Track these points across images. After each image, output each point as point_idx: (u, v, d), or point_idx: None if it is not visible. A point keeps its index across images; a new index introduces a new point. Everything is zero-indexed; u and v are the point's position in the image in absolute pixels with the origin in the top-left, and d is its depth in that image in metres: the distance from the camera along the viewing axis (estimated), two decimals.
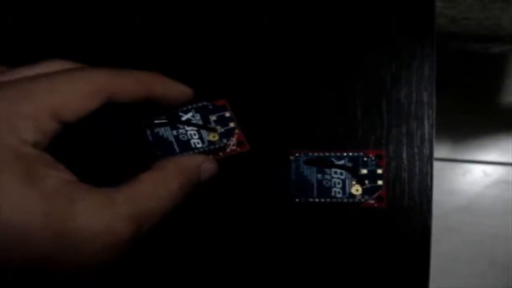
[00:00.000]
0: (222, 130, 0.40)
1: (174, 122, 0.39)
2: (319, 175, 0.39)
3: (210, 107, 0.40)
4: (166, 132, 0.39)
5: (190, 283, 0.39)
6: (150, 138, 0.39)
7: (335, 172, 0.39)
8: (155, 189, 0.30)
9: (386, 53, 0.42)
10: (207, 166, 0.35)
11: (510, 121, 1.14)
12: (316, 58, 0.42)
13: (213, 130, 0.39)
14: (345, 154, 0.39)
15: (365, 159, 0.39)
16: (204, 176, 0.35)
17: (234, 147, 0.39)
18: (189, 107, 0.40)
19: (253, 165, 0.40)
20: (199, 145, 0.39)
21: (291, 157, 0.40)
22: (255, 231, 0.39)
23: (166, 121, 0.39)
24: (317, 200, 0.39)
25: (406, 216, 0.40)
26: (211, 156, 0.38)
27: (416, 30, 0.42)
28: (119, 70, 0.32)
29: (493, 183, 1.14)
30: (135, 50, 0.43)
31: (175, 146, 0.39)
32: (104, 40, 0.43)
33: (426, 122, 0.41)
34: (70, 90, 0.28)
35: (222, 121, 0.40)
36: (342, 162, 0.39)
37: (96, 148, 0.39)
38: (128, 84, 0.31)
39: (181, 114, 0.40)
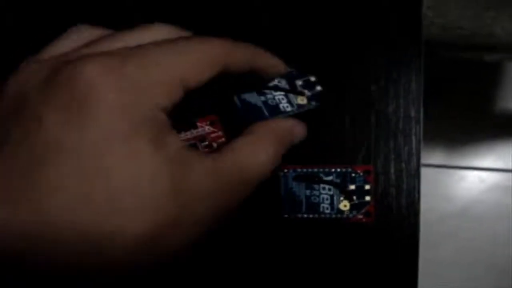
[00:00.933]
0: (309, 93, 0.41)
1: (262, 88, 0.40)
2: (308, 191, 0.40)
3: (294, 72, 0.41)
4: (254, 98, 0.40)
5: None
6: (239, 104, 0.40)
7: (323, 188, 0.40)
8: (254, 153, 0.31)
9: (374, 68, 0.42)
10: (299, 129, 0.36)
11: (505, 127, 1.14)
12: (308, 87, 0.42)
13: (301, 93, 0.40)
14: (333, 170, 0.40)
15: (353, 175, 0.40)
16: (296, 139, 0.36)
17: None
18: None
19: None
20: (289, 109, 0.40)
21: (280, 173, 0.40)
22: (244, 247, 0.40)
23: (253, 87, 0.40)
24: (305, 215, 0.39)
25: (394, 230, 0.40)
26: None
27: (403, 45, 0.42)
28: (233, 42, 0.33)
29: (488, 189, 1.14)
30: None
31: (264, 111, 0.39)
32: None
33: (413, 137, 0.41)
34: (197, 59, 0.30)
35: (308, 85, 0.41)
36: (330, 178, 0.40)
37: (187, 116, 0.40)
38: (241, 57, 0.33)
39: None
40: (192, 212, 0.27)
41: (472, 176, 1.14)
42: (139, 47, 0.29)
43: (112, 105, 0.25)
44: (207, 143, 0.40)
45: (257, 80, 0.40)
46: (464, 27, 0.73)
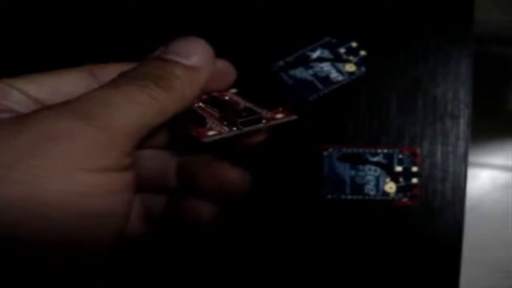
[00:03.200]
0: (356, 59, 0.40)
1: (306, 62, 0.39)
2: (353, 172, 0.38)
3: (334, 41, 0.40)
4: (303, 73, 0.39)
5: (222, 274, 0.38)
6: (289, 81, 0.39)
7: (369, 169, 0.38)
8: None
9: (423, 50, 0.41)
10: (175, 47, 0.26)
11: None
12: (352, 53, 0.41)
13: (348, 61, 0.39)
14: (379, 150, 0.39)
15: (400, 156, 0.38)
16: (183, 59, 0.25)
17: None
18: (314, 45, 0.40)
19: (285, 160, 0.39)
20: (340, 78, 0.39)
21: (324, 153, 0.39)
22: (286, 228, 0.38)
23: (296, 63, 0.39)
24: (349, 197, 0.38)
25: (438, 215, 0.39)
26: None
27: (453, 28, 0.41)
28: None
29: (499, 188, 1.14)
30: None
31: (318, 84, 0.39)
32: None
33: (461, 120, 0.40)
34: None
35: (351, 51, 0.40)
36: (376, 158, 0.38)
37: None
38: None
39: (309, 53, 0.40)
40: None
41: (483, 175, 1.13)
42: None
43: None
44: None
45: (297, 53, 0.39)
46: (493, 20, 0.73)
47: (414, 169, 0.38)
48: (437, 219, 0.39)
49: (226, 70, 0.28)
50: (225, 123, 0.25)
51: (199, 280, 0.38)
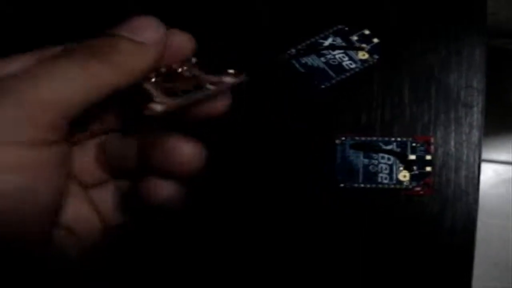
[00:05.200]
0: (369, 47, 0.39)
1: (318, 50, 0.39)
2: (366, 160, 0.38)
3: (346, 28, 0.39)
4: (315, 61, 0.39)
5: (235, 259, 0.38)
6: (301, 69, 0.38)
7: (382, 157, 0.38)
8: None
9: (435, 38, 0.40)
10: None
11: None
12: (365, 40, 0.40)
13: (360, 49, 0.38)
14: (392, 139, 0.38)
15: (413, 144, 0.38)
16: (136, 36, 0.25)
17: None
18: (326, 33, 0.39)
19: (298, 148, 0.39)
20: (353, 66, 0.39)
21: (337, 141, 0.38)
22: (300, 216, 0.38)
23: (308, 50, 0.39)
24: (362, 185, 0.38)
25: (452, 204, 0.38)
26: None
27: (467, 16, 0.41)
28: None
29: (504, 183, 1.13)
30: None
31: (330, 72, 0.38)
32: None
33: (475, 108, 0.40)
34: None
35: (364, 38, 0.39)
36: (390, 147, 0.38)
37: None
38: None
39: (321, 41, 0.39)
40: None
41: (488, 170, 1.13)
42: None
43: None
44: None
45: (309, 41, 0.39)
46: (498, 13, 0.72)
47: (428, 157, 0.38)
48: (450, 208, 0.38)
49: (184, 44, 0.26)
50: (172, 94, 0.24)
51: (200, 278, 0.38)
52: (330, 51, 0.39)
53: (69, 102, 0.21)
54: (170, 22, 0.41)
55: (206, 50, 0.39)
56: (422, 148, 0.38)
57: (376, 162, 0.38)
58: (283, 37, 0.40)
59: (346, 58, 0.39)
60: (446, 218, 0.38)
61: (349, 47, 0.39)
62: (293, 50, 0.39)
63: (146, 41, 0.25)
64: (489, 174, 1.14)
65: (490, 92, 1.10)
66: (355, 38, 0.40)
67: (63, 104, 0.21)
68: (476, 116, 0.39)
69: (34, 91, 0.21)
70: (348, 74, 0.39)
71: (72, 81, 0.22)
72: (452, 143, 0.39)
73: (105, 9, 0.42)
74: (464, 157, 0.39)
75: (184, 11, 0.41)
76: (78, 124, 0.23)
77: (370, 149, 0.38)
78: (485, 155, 1.13)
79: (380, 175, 0.38)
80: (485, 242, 1.12)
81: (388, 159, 0.38)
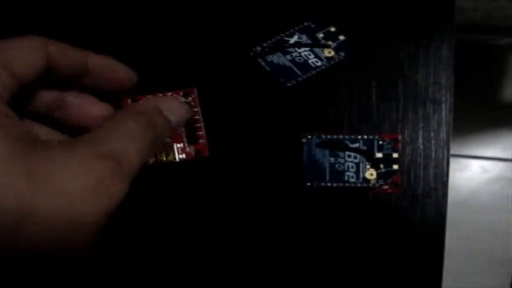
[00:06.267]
0: (335, 44, 0.39)
1: (284, 48, 0.38)
2: (332, 159, 0.38)
3: (313, 25, 0.39)
4: (280, 59, 0.38)
5: (199, 265, 0.37)
6: (267, 67, 0.38)
7: (349, 156, 0.38)
8: (127, 142, 0.27)
9: (404, 35, 0.40)
10: (168, 105, 0.32)
11: (510, 116, 1.13)
12: (331, 38, 0.40)
13: (326, 46, 0.38)
14: (359, 137, 0.38)
15: (380, 142, 0.38)
16: (171, 116, 0.31)
17: None
18: (292, 30, 0.39)
19: (263, 147, 0.38)
20: (319, 63, 0.38)
21: (303, 140, 0.38)
22: (266, 216, 0.38)
23: (274, 48, 0.39)
24: (329, 184, 0.37)
25: (421, 202, 0.38)
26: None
27: (435, 12, 0.40)
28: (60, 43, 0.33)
29: (491, 179, 1.13)
30: (137, 44, 0.41)
31: (296, 70, 0.38)
32: (103, 37, 0.41)
33: (443, 105, 0.39)
34: (17, 46, 0.30)
35: (330, 36, 0.39)
36: (356, 145, 0.38)
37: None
38: (67, 48, 0.32)
39: (286, 38, 0.39)
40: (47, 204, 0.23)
41: (475, 166, 1.13)
42: None
43: None
44: None
45: (275, 38, 0.39)
46: (480, 8, 0.72)
47: (395, 155, 0.38)
48: (419, 205, 0.38)
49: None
50: None
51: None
52: (296, 48, 0.39)
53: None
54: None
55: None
56: (389, 146, 0.38)
57: (342, 160, 0.38)
58: (252, 34, 0.40)
59: (312, 56, 0.39)
60: (416, 214, 0.38)
61: (315, 44, 0.39)
62: (258, 48, 0.39)
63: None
64: (476, 170, 1.14)
65: (476, 89, 1.10)
66: (321, 35, 0.39)
67: None
68: (444, 113, 0.39)
69: None
70: (314, 72, 0.38)
71: None
72: (421, 140, 0.39)
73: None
74: (433, 154, 0.39)
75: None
76: None
77: (337, 148, 0.38)
78: (472, 151, 1.13)
79: (347, 173, 0.37)
80: (476, 239, 1.12)
81: (355, 157, 0.38)
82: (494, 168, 1.14)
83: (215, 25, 0.41)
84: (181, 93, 0.38)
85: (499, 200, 1.12)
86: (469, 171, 1.14)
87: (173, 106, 0.32)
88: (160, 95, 0.38)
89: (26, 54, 0.30)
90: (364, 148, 0.38)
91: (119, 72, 0.34)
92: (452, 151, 1.09)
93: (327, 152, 0.38)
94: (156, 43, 0.40)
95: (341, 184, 0.37)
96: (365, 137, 0.38)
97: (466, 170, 1.14)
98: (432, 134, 0.39)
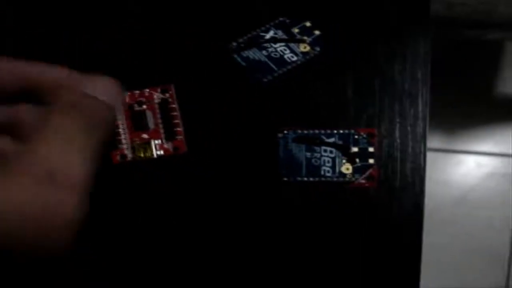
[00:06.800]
0: (310, 39, 0.39)
1: (260, 43, 0.39)
2: (308, 154, 0.38)
3: (288, 21, 0.39)
4: (256, 54, 0.39)
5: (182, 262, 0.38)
6: (242, 63, 0.39)
7: (325, 150, 0.38)
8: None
9: (380, 30, 0.40)
10: (92, 85, 0.28)
11: (505, 111, 1.13)
12: (306, 33, 0.40)
13: (302, 41, 0.38)
14: (335, 131, 0.38)
15: (356, 137, 0.38)
16: (102, 96, 0.28)
17: None
18: (267, 26, 0.40)
19: (239, 143, 0.39)
20: (294, 58, 0.39)
21: (279, 135, 0.38)
22: (243, 211, 0.38)
23: (250, 43, 0.39)
24: (305, 179, 0.38)
25: (398, 196, 0.38)
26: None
27: (411, 7, 0.40)
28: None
29: (487, 174, 1.13)
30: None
31: (272, 65, 0.39)
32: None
33: (420, 100, 0.39)
34: None
35: (305, 31, 0.39)
36: (332, 139, 0.38)
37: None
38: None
39: (262, 34, 0.39)
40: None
41: (470, 161, 1.12)
42: None
43: None
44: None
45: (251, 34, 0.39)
46: (467, 3, 0.72)
47: (371, 149, 0.38)
48: (396, 199, 0.38)
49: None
50: None
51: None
52: (272, 44, 0.39)
53: None
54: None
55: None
56: (365, 140, 0.38)
57: (318, 155, 0.38)
58: (225, 30, 0.40)
59: (288, 51, 0.39)
60: (393, 208, 0.38)
61: (291, 39, 0.39)
62: (234, 44, 0.39)
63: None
64: (471, 165, 1.14)
65: (468, 84, 1.10)
66: (296, 30, 0.39)
67: None
68: (421, 107, 0.39)
69: None
70: (290, 67, 0.39)
71: None
72: (397, 134, 0.39)
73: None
74: (410, 149, 0.39)
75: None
76: None
77: (312, 142, 0.38)
78: (467, 146, 1.13)
79: (323, 168, 0.38)
80: (471, 234, 1.12)
81: (331, 152, 0.38)
82: (489, 163, 1.14)
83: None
84: (158, 90, 0.39)
85: (495, 196, 1.12)
86: (464, 166, 1.14)
87: (99, 85, 0.28)
88: (146, 92, 0.38)
89: None
90: (340, 142, 0.38)
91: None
92: (446, 147, 1.08)
93: (303, 147, 0.38)
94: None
95: (317, 179, 0.38)
96: (341, 131, 0.38)
97: (461, 166, 1.14)
98: (408, 128, 0.39)
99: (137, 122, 0.38)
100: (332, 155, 0.38)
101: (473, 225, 1.12)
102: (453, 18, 0.75)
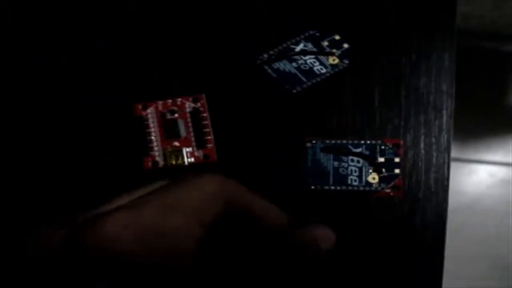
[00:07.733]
0: (339, 52, 0.40)
1: (290, 55, 0.40)
2: (336, 163, 0.39)
3: (318, 34, 0.40)
4: (287, 66, 0.40)
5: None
6: (273, 74, 0.40)
7: (352, 160, 0.39)
8: None
9: (406, 43, 0.41)
10: (320, 233, 0.34)
11: None
12: (335, 46, 0.41)
13: (331, 54, 0.40)
14: (362, 142, 0.39)
15: (382, 147, 0.39)
16: (323, 244, 0.34)
17: None
18: (298, 38, 0.41)
19: (268, 152, 0.40)
20: (323, 71, 0.40)
21: (308, 144, 0.39)
22: None
23: (280, 56, 0.41)
24: (333, 187, 0.39)
25: (422, 206, 0.39)
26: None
27: (437, 21, 0.41)
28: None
29: (498, 184, 1.14)
30: (137, 44, 0.42)
31: (301, 77, 0.40)
32: (103, 36, 0.42)
33: (444, 112, 0.40)
34: (206, 195, 0.30)
35: (335, 44, 0.41)
36: (359, 149, 0.39)
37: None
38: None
39: (293, 46, 0.41)
40: None
41: (482, 171, 1.13)
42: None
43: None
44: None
45: (281, 46, 0.40)
46: (485, 16, 0.73)
47: (397, 159, 0.39)
48: (420, 209, 0.39)
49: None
50: None
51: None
52: (302, 56, 0.40)
53: None
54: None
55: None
56: (391, 150, 0.39)
57: (346, 164, 0.39)
58: (257, 42, 0.41)
59: (317, 63, 0.40)
60: (416, 218, 0.39)
61: (320, 52, 0.40)
62: (265, 55, 0.40)
63: None
64: (483, 175, 1.15)
65: (483, 94, 1.11)
66: (325, 43, 0.41)
67: None
68: (445, 119, 0.40)
69: None
70: (319, 78, 0.40)
71: None
72: (422, 145, 0.40)
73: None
74: (434, 159, 0.40)
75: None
76: None
77: (340, 152, 0.39)
78: (479, 156, 1.14)
79: (350, 177, 0.39)
80: (482, 243, 1.12)
81: (358, 161, 0.39)
82: (501, 173, 1.15)
83: (215, 25, 0.42)
84: (190, 99, 0.40)
85: (505, 205, 1.13)
86: (476, 176, 1.14)
87: (325, 235, 0.33)
88: (178, 101, 0.39)
89: (211, 204, 0.30)
90: (367, 152, 0.39)
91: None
92: (459, 156, 1.09)
93: (331, 156, 0.39)
94: (156, 43, 0.42)
95: (344, 188, 0.39)
96: (368, 142, 0.39)
97: (473, 175, 1.15)
98: (433, 139, 0.40)
99: (169, 130, 0.39)
100: (359, 165, 0.39)
101: (481, 233, 1.13)
102: (470, 29, 0.76)
